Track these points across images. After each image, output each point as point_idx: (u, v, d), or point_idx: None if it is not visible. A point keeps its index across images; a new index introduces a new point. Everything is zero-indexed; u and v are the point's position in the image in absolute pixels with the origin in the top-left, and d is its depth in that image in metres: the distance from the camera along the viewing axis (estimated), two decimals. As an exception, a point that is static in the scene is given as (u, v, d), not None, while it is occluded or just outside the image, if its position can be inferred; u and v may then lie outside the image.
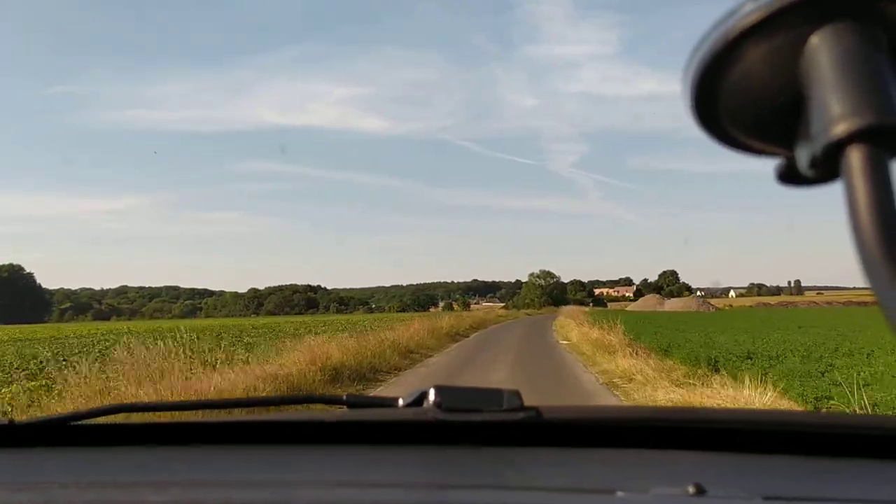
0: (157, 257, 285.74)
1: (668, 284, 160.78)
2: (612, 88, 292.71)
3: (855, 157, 0.31)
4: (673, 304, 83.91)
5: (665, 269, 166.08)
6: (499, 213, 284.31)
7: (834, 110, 0.32)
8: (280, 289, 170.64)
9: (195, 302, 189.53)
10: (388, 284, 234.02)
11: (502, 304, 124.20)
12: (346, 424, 1.09)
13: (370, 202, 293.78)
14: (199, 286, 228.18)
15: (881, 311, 0.30)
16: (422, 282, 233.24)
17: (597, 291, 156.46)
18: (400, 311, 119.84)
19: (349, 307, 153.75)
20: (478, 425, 0.97)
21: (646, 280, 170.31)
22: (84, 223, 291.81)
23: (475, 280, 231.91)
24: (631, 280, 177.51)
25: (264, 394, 8.79)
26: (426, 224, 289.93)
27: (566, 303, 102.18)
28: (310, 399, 1.29)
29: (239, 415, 1.37)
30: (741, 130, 0.38)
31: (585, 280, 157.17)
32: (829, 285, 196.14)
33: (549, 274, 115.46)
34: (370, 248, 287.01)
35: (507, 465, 0.94)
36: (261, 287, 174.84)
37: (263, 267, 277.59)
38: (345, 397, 1.10)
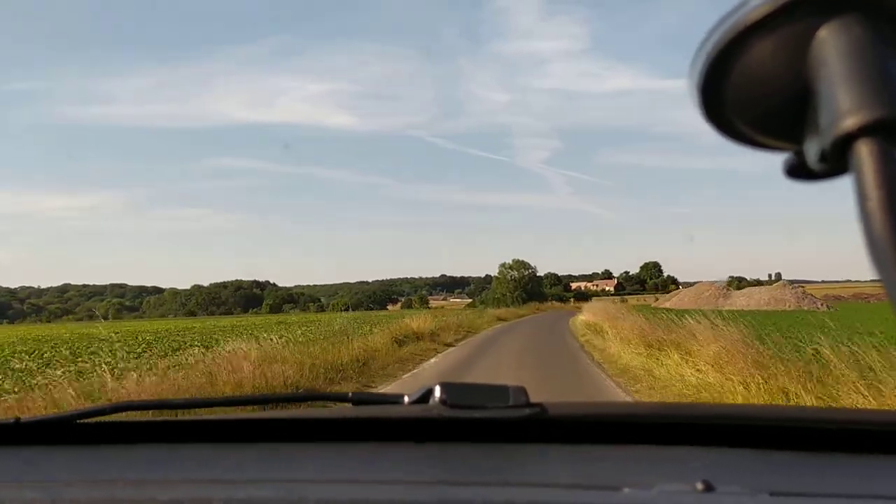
0: (106, 255, 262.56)
1: (652, 277, 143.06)
2: (582, 84, 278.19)
3: (864, 152, 0.30)
4: (752, 298, 52.01)
5: (647, 261, 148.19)
6: (469, 209, 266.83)
7: (842, 104, 0.31)
8: (223, 285, 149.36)
9: (127, 300, 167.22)
10: (353, 280, 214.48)
11: (468, 301, 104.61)
12: (352, 421, 1.07)
13: (340, 198, 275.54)
14: (150, 283, 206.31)
15: (891, 305, 0.29)
16: (388, 278, 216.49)
17: (573, 285, 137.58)
18: (345, 310, 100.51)
19: (298, 304, 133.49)
20: (483, 422, 0.95)
21: (627, 273, 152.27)
22: (44, 220, 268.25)
23: (443, 275, 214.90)
24: (611, 273, 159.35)
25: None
26: (395, 220, 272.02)
27: (543, 298, 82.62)
28: (315, 396, 1.32)
29: (245, 412, 1.34)
30: (748, 125, 0.37)
31: (560, 274, 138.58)
32: (803, 279, 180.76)
33: (523, 264, 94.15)
34: (337, 244, 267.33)
35: (513, 461, 0.92)
36: (205, 283, 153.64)
37: (221, 263, 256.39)
38: (350, 395, 1.09)
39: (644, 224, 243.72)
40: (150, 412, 1.30)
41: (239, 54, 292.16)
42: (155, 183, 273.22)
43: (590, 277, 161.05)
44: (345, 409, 1.10)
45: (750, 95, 0.35)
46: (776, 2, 0.32)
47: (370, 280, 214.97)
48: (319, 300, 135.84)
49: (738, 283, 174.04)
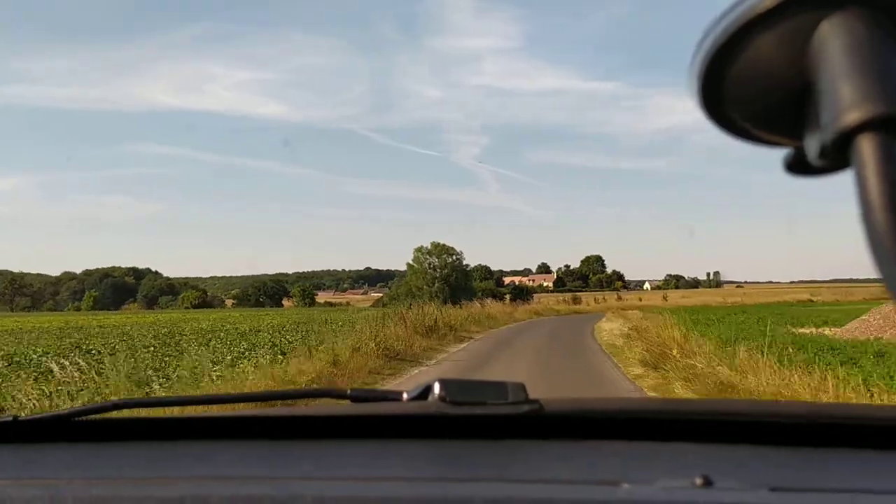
0: (5, 241, 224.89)
1: (595, 272, 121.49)
2: (514, 82, 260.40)
3: (866, 147, 0.29)
4: None
5: (589, 255, 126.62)
6: (398, 202, 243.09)
7: (844, 99, 0.30)
8: (91, 273, 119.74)
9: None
10: (272, 272, 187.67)
11: (380, 296, 79.84)
12: (351, 419, 1.05)
13: (267, 189, 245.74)
14: (37, 271, 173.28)
15: (893, 302, 0.28)
16: (310, 270, 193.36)
17: (507, 280, 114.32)
18: (199, 307, 74.14)
19: (178, 297, 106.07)
20: (482, 418, 0.93)
21: (567, 266, 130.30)
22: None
23: (368, 268, 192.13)
24: (548, 267, 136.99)
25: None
26: (321, 212, 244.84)
27: (471, 294, 58.19)
28: (315, 393, 1.29)
29: (244, 409, 1.36)
30: (749, 120, 0.36)
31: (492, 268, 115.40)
32: (741, 280, 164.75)
33: (445, 249, 67.63)
34: (260, 235, 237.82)
35: (512, 457, 0.91)
36: (78, 270, 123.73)
37: (124, 252, 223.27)
38: (349, 392, 1.07)
39: (574, 223, 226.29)
40: (149, 409, 1.28)
41: (164, 39, 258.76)
42: (70, 168, 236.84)
43: (523, 273, 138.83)
44: (344, 406, 1.09)
45: (750, 91, 0.34)
46: None
47: (290, 272, 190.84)
48: (205, 291, 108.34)
49: (677, 282, 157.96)
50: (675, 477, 0.75)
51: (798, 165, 0.35)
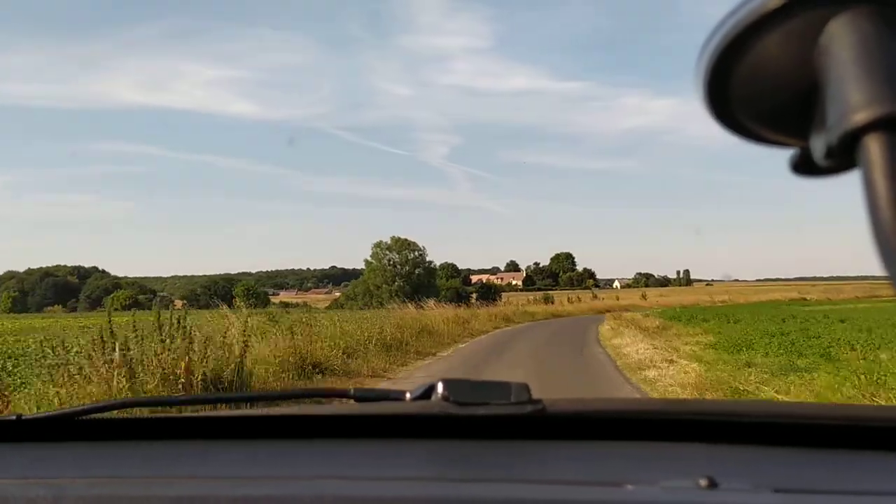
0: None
1: (565, 270, 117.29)
2: (485, 82, 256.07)
3: (873, 147, 0.28)
4: None
5: (559, 252, 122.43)
6: (367, 201, 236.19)
7: (852, 98, 0.29)
8: (32, 273, 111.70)
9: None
10: (235, 272, 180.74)
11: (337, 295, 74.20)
12: (354, 418, 1.03)
13: (232, 187, 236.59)
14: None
15: None
16: (274, 269, 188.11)
17: (474, 279, 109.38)
18: (131, 308, 67.53)
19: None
20: (485, 419, 0.92)
21: (537, 264, 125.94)
22: None
23: (333, 267, 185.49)
24: (517, 265, 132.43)
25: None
26: (288, 210, 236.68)
27: (435, 292, 52.82)
28: (318, 393, 1.31)
29: (247, 409, 1.30)
30: (754, 120, 0.35)
31: (460, 267, 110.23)
32: (709, 278, 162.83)
33: (406, 244, 62.01)
34: (226, 235, 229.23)
35: (516, 458, 0.90)
36: (20, 269, 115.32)
37: (82, 251, 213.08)
38: (352, 391, 1.06)
39: (544, 221, 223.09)
40: (152, 409, 1.33)
41: (131, 34, 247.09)
42: (30, 165, 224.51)
43: (491, 271, 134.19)
44: (347, 406, 1.08)
45: (757, 90, 0.34)
46: None
47: (253, 271, 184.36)
48: (154, 291, 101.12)
49: (647, 280, 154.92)
50: (679, 478, 0.74)
51: (804, 166, 0.34)
